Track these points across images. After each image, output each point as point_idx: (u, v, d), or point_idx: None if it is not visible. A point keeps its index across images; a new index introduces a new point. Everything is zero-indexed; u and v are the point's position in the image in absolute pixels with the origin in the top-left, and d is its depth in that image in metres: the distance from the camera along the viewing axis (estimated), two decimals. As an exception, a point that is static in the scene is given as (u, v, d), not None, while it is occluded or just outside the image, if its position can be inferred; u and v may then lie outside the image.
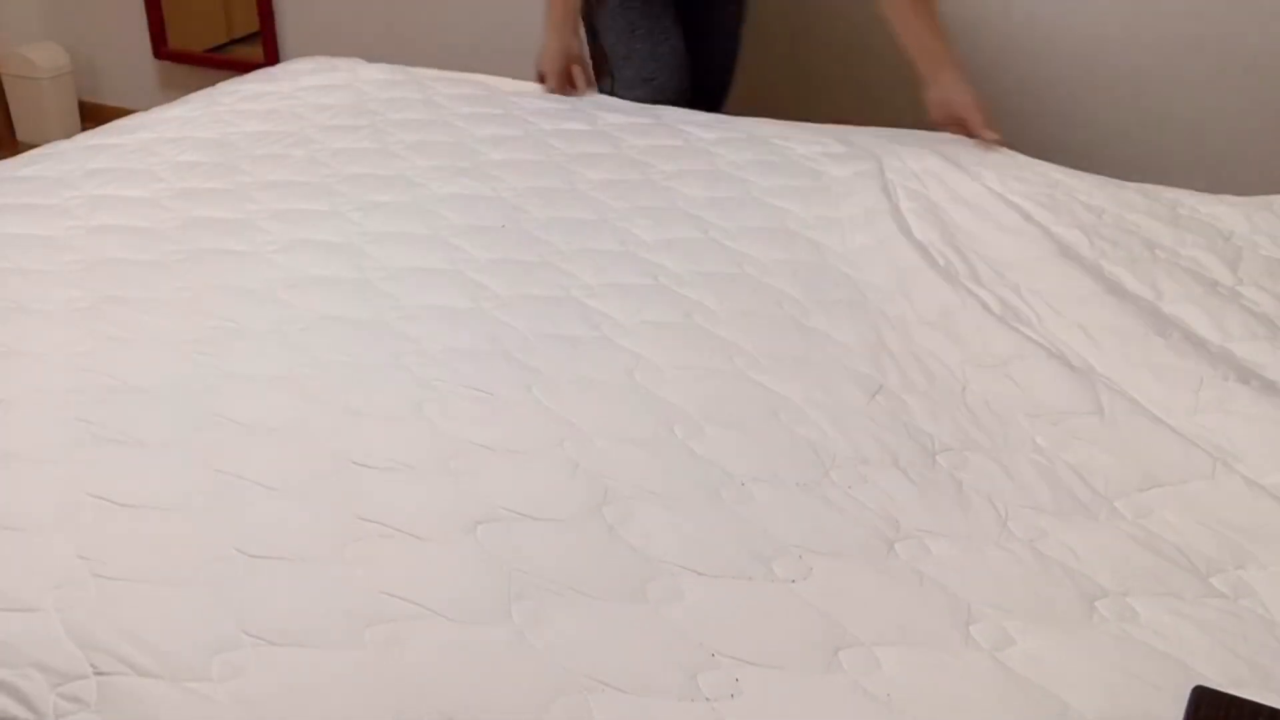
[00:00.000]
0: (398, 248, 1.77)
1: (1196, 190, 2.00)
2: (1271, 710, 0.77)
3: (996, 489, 1.27)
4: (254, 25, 3.64)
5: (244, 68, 3.54)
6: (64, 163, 2.07)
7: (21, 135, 3.88)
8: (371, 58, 3.04)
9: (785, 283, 1.70)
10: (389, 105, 2.40)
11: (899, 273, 1.72)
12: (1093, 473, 1.30)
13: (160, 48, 3.78)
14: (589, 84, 2.47)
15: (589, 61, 2.49)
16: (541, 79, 2.46)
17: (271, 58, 3.62)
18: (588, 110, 2.36)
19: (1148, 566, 1.16)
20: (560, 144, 2.19)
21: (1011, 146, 2.14)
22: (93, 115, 3.88)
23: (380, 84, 2.53)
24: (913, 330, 1.59)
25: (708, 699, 0.99)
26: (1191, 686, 1.00)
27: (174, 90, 3.77)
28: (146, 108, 2.85)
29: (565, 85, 2.44)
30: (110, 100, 3.96)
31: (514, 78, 2.81)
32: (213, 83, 2.78)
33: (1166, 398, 1.42)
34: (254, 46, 3.69)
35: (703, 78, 2.54)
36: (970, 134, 2.18)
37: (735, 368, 1.47)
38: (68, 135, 3.29)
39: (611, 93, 2.47)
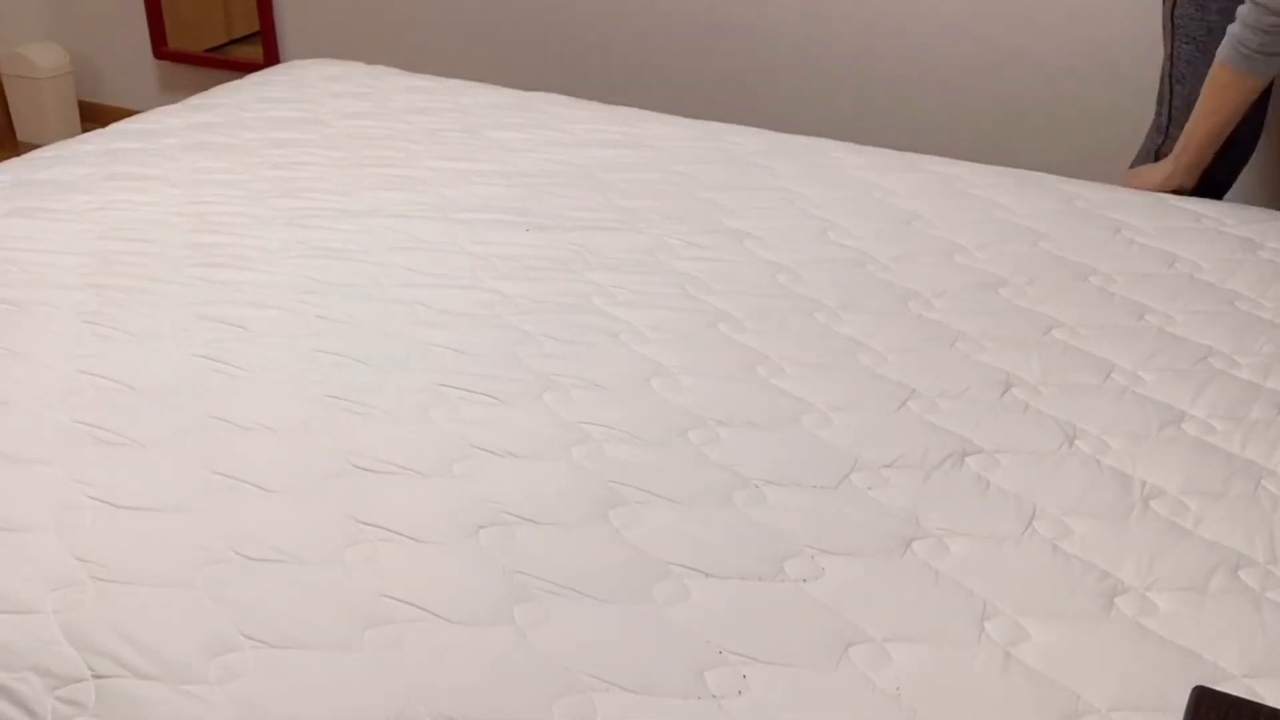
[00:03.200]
0: (413, 252, 1.75)
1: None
2: (1272, 711, 0.76)
3: (1027, 489, 1.25)
4: (254, 25, 3.63)
5: (244, 68, 3.53)
6: (80, 166, 2.06)
7: (22, 135, 3.87)
8: (371, 59, 3.04)
9: (819, 291, 1.66)
10: (408, 107, 2.38)
11: (938, 281, 1.70)
12: (1132, 473, 1.28)
13: (160, 48, 3.76)
14: None
15: None
16: None
17: (271, 58, 3.61)
18: (625, 119, 2.34)
19: (1174, 560, 1.15)
20: (594, 151, 2.17)
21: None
22: (93, 115, 3.87)
23: (400, 88, 2.52)
24: (951, 336, 1.56)
25: (715, 696, 0.98)
26: (1206, 676, 0.99)
27: (174, 90, 3.76)
28: (146, 108, 2.84)
29: None
30: (110, 100, 3.95)
31: (513, 79, 2.80)
32: (213, 83, 2.77)
33: (1209, 414, 1.40)
34: (254, 46, 3.68)
35: None
36: None
37: (758, 375, 1.45)
38: (68, 135, 3.29)
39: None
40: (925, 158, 2.18)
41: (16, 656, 1.01)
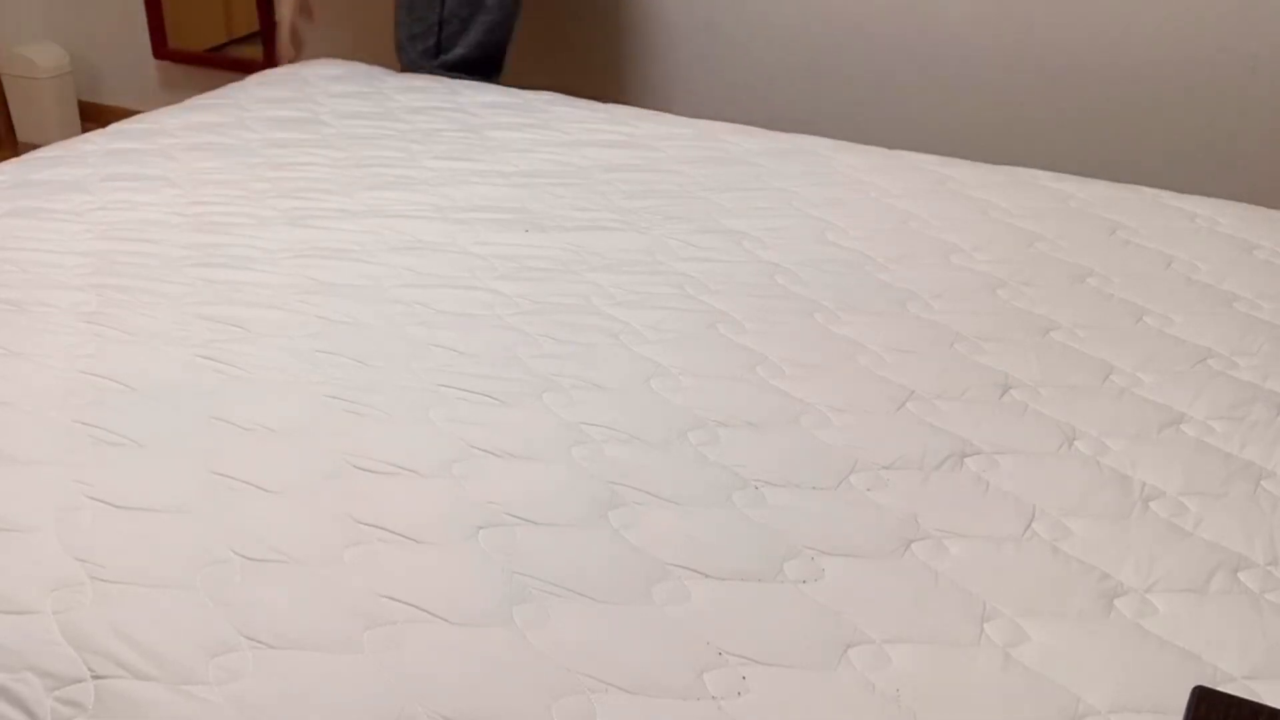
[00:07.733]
0: (412, 252, 1.75)
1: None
2: (1272, 710, 0.76)
3: (1026, 490, 1.25)
4: (254, 25, 3.62)
5: (244, 68, 3.53)
6: (81, 166, 2.06)
7: (22, 135, 3.87)
8: (372, 59, 3.03)
9: (818, 292, 1.67)
10: (408, 107, 2.38)
11: (938, 282, 1.70)
12: (1131, 474, 1.29)
13: (160, 48, 3.76)
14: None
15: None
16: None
17: (272, 58, 3.61)
18: (624, 119, 2.34)
19: (1174, 562, 1.15)
20: (593, 151, 2.17)
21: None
22: (93, 115, 3.86)
23: (399, 88, 2.51)
24: (949, 337, 1.56)
25: (714, 697, 0.97)
26: (1206, 678, 0.99)
27: (174, 90, 3.75)
28: (146, 108, 2.84)
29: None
30: (110, 100, 3.94)
31: (511, 78, 2.80)
32: (214, 83, 2.77)
33: (1208, 415, 1.40)
34: (254, 46, 3.67)
35: None
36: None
37: (758, 375, 1.45)
38: (68, 135, 3.28)
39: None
40: (919, 156, 2.18)
41: (15, 657, 1.01)
